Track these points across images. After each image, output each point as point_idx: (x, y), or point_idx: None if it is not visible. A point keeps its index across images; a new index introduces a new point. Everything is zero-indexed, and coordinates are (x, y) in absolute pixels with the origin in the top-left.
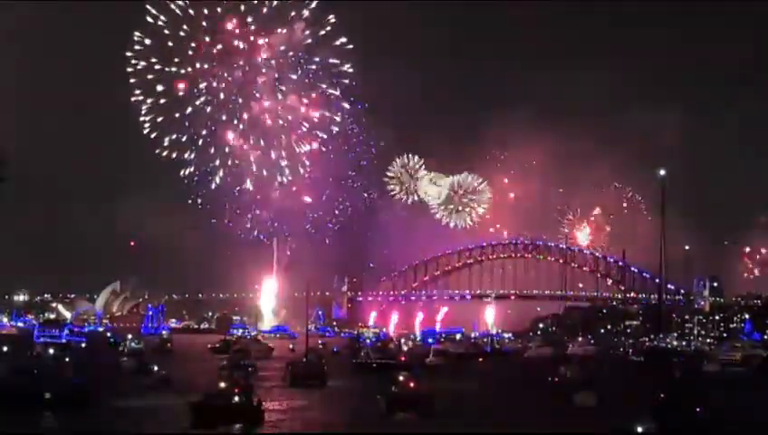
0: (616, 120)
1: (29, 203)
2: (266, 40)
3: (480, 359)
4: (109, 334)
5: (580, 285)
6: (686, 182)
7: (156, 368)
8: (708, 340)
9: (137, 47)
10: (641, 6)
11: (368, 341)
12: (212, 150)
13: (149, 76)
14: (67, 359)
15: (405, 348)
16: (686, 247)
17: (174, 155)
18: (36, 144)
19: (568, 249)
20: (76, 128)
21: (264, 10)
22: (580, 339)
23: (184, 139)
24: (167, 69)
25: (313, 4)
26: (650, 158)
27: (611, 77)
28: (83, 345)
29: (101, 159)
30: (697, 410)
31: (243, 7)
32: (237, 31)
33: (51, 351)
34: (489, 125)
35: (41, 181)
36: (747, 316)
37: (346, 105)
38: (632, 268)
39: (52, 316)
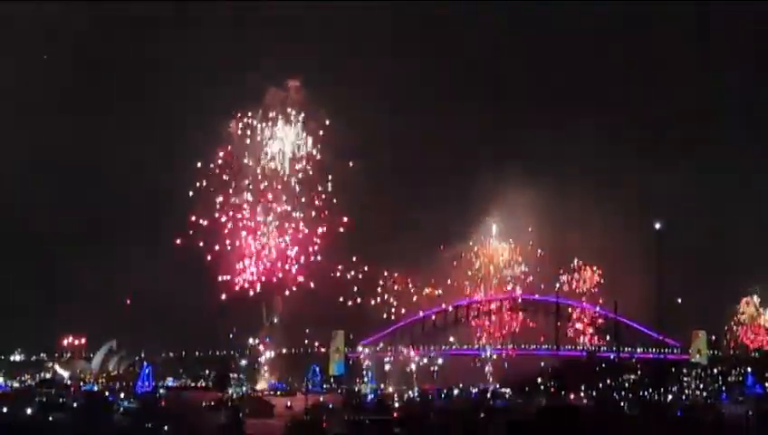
0: (612, 174)
1: (24, 261)
2: None
3: (482, 415)
4: (107, 393)
5: (580, 340)
6: (683, 233)
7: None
8: (705, 393)
9: None
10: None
11: (368, 397)
12: None
13: None
14: (50, 418)
15: (396, 404)
16: (679, 300)
17: None
18: (32, 198)
19: (563, 303)
20: (72, 183)
21: None
22: None
23: None
24: None
25: None
26: (647, 209)
27: (605, 131)
28: (75, 405)
29: (99, 215)
30: None
31: None
32: None
33: (29, 411)
34: (481, 184)
35: (36, 237)
36: (749, 369)
37: None
38: (629, 322)
39: (48, 376)
